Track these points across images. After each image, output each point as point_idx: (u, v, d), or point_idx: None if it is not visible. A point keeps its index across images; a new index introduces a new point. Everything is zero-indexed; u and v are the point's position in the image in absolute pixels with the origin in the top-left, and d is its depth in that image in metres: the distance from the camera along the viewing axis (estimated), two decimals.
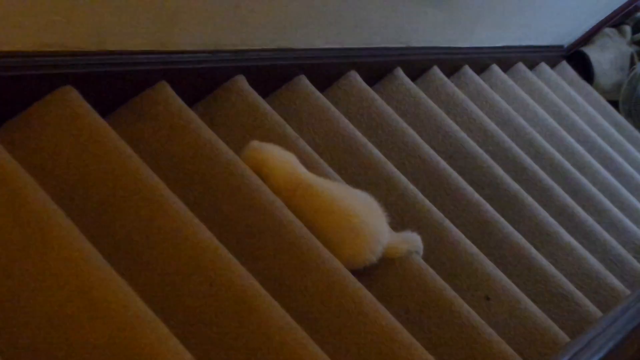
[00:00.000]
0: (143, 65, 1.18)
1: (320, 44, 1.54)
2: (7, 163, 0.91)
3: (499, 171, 1.73)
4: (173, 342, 0.83)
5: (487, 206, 1.57)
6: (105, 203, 1.00)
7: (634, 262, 1.78)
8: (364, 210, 1.21)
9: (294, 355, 0.94)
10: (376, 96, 1.66)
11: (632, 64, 2.71)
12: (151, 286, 0.94)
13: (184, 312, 0.94)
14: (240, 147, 1.23)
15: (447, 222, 1.43)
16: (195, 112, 1.25)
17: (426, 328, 1.20)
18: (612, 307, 1.36)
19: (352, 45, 1.64)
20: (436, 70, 1.94)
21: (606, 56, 2.65)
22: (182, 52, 1.24)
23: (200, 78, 1.33)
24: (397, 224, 1.36)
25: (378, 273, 1.22)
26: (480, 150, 1.75)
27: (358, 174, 1.43)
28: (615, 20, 2.73)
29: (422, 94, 1.80)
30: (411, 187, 1.46)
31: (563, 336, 1.34)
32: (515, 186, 1.72)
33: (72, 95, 1.06)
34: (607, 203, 1.96)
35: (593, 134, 2.31)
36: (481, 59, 2.18)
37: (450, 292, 1.25)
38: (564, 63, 2.66)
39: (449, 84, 1.94)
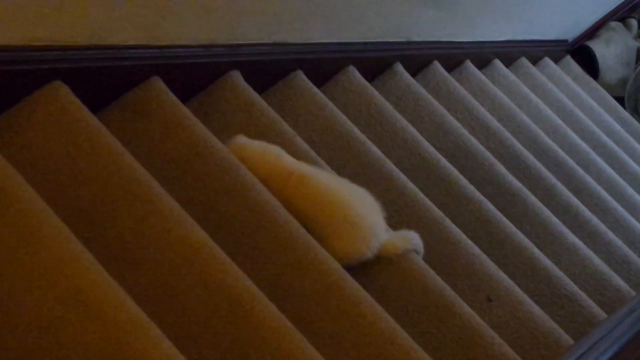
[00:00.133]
0: (135, 60, 1.17)
1: (317, 38, 1.54)
2: None
3: (501, 169, 1.72)
4: (166, 345, 0.82)
5: (489, 205, 1.56)
6: (96, 202, 0.99)
7: None
8: (360, 203, 1.18)
9: (291, 359, 0.93)
10: (375, 92, 1.66)
11: (638, 58, 2.68)
12: (144, 287, 0.94)
13: (178, 313, 0.93)
14: None
15: (448, 221, 1.42)
16: (189, 108, 1.24)
17: (426, 330, 1.19)
18: (617, 309, 1.35)
19: (351, 39, 1.63)
20: (437, 65, 1.93)
21: (612, 51, 2.62)
22: (176, 47, 1.23)
23: (194, 73, 1.32)
24: (396, 223, 1.36)
25: (376, 273, 1.22)
26: (482, 148, 1.75)
27: (356, 172, 1.43)
28: (621, 14, 2.71)
29: (422, 90, 1.80)
30: (411, 185, 1.45)
31: (567, 338, 1.33)
32: (517, 184, 1.71)
33: (62, 91, 1.05)
34: (612, 202, 1.95)
35: (598, 130, 2.30)
36: (483, 54, 2.17)
37: (450, 293, 1.24)
38: (568, 58, 2.64)
39: (450, 80, 1.93)
